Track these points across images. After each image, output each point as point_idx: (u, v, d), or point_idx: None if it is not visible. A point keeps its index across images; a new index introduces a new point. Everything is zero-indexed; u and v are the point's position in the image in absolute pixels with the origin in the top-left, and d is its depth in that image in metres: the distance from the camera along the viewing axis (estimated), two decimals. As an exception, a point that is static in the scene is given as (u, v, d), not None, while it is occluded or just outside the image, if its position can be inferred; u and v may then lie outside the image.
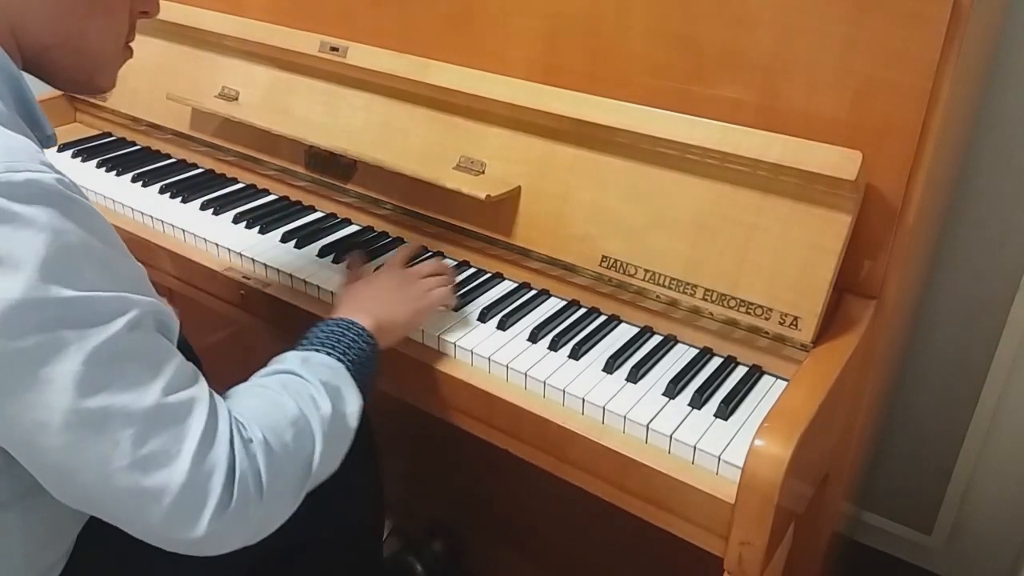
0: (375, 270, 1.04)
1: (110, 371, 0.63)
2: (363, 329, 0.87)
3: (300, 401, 0.75)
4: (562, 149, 1.04)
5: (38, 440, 0.63)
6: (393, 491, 1.27)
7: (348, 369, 0.82)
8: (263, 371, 0.81)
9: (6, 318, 0.59)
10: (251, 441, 0.70)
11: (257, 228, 1.20)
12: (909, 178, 0.88)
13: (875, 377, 1.06)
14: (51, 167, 0.64)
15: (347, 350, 0.84)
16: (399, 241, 1.19)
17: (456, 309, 1.02)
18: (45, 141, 0.77)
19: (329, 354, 0.83)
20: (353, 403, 0.81)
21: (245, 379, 0.79)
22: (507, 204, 1.07)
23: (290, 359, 0.81)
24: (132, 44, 0.85)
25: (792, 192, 0.89)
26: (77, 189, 0.66)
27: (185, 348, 1.19)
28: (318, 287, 1.07)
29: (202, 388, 0.70)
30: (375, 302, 0.94)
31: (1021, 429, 1.38)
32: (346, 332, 0.86)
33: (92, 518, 0.85)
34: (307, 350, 0.83)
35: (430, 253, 1.16)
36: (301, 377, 0.78)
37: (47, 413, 0.62)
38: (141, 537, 0.68)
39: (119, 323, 0.64)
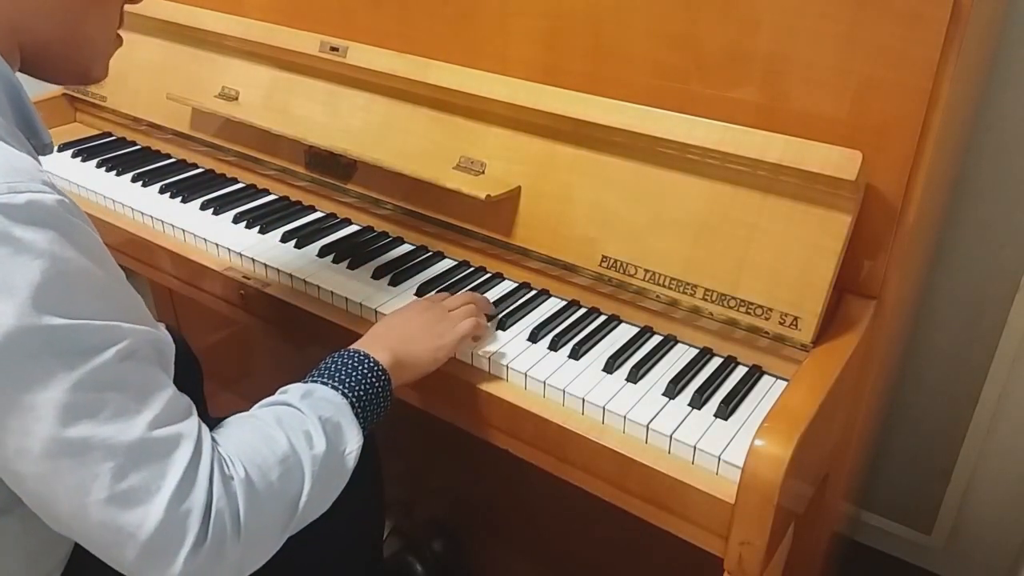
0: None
1: (95, 401, 0.62)
2: (376, 363, 0.83)
3: (293, 437, 0.73)
4: (562, 149, 1.04)
5: (18, 466, 0.63)
6: (393, 491, 1.27)
7: (352, 406, 0.79)
8: (264, 401, 0.79)
9: None
10: (232, 479, 0.68)
11: (257, 228, 1.21)
12: (909, 178, 0.88)
13: (875, 377, 1.06)
14: (53, 187, 0.64)
15: (356, 385, 0.81)
16: (399, 241, 1.19)
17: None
18: (42, 149, 0.76)
19: (335, 388, 0.80)
20: (353, 442, 0.78)
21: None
22: (507, 204, 1.07)
23: (292, 391, 0.79)
24: (121, 33, 0.86)
25: (792, 192, 0.89)
26: (79, 212, 0.66)
27: (184, 348, 1.20)
28: (318, 287, 1.07)
29: (191, 423, 0.68)
30: (399, 337, 0.89)
31: (1021, 429, 1.38)
32: (358, 366, 0.82)
33: None
34: (313, 382, 0.81)
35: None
36: (299, 411, 0.76)
37: (28, 440, 0.61)
38: (119, 569, 0.66)
39: (109, 352, 0.63)
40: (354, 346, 0.86)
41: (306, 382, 0.81)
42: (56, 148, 1.47)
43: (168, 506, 0.63)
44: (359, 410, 0.80)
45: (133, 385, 0.65)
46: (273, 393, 0.81)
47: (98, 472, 0.62)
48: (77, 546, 0.84)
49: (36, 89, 1.64)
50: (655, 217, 0.97)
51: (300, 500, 0.72)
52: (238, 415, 0.76)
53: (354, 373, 0.81)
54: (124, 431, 0.63)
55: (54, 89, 1.58)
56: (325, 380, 0.80)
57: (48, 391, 0.60)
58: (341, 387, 0.80)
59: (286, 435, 0.73)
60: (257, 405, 0.79)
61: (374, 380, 0.82)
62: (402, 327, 0.91)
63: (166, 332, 0.72)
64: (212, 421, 1.12)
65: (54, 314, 0.60)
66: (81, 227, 0.65)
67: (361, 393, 0.81)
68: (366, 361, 0.83)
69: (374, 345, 0.86)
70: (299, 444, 0.73)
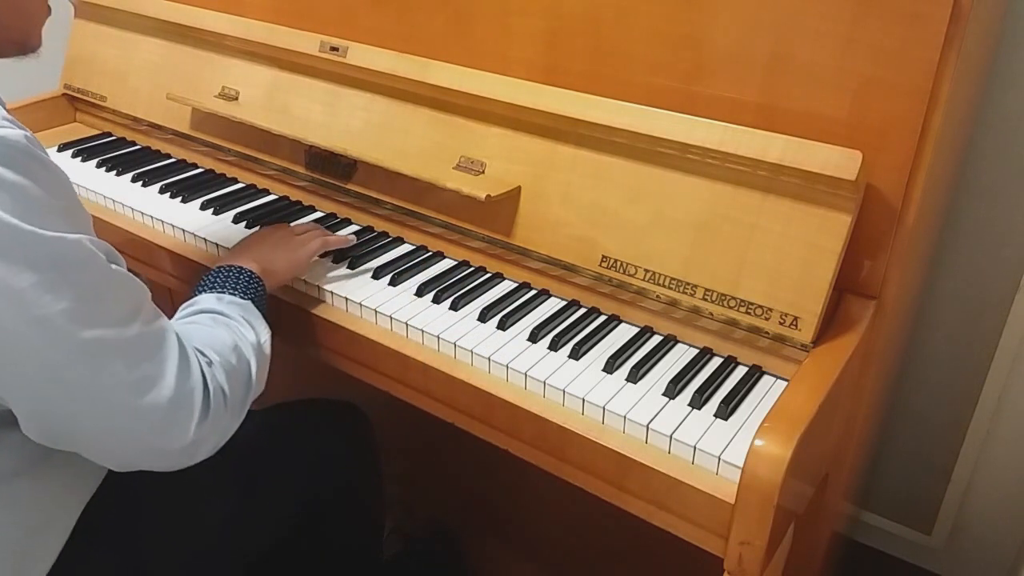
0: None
1: (98, 306, 0.70)
2: (252, 272, 0.97)
3: (233, 333, 0.87)
4: (562, 149, 1.04)
5: (43, 386, 0.69)
6: (393, 491, 1.27)
7: (256, 305, 0.94)
8: (184, 312, 0.91)
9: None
10: (211, 363, 0.81)
11: (258, 228, 1.20)
12: (909, 178, 0.88)
13: (875, 377, 1.06)
14: (15, 123, 0.70)
15: (247, 289, 0.95)
16: (399, 241, 1.19)
17: (456, 309, 1.02)
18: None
19: (234, 293, 0.94)
20: (265, 333, 0.93)
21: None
22: (507, 204, 1.07)
23: (205, 300, 0.92)
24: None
25: (792, 192, 0.89)
26: (41, 146, 0.72)
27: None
28: (318, 287, 1.07)
29: (166, 319, 0.79)
30: (258, 252, 1.03)
31: (1021, 429, 1.38)
32: (240, 275, 0.96)
33: (90, 506, 0.86)
34: (214, 292, 0.94)
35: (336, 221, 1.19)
36: (223, 314, 0.90)
37: (51, 353, 0.68)
38: (128, 460, 0.76)
39: (99, 261, 0.71)
40: (223, 262, 0.99)
41: (208, 292, 0.94)
42: (56, 148, 1.47)
43: (176, 386, 0.74)
44: (258, 307, 0.95)
45: (122, 288, 0.74)
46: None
47: (113, 368, 0.71)
48: (75, 533, 0.84)
49: (36, 89, 1.64)
50: (655, 217, 0.97)
51: (253, 379, 0.87)
52: (176, 322, 0.88)
53: (240, 281, 0.96)
54: (126, 329, 0.72)
55: (54, 89, 1.58)
56: (221, 289, 0.94)
57: (59, 302, 0.67)
58: (239, 292, 0.94)
59: (228, 331, 0.87)
60: (177, 316, 0.91)
61: (256, 286, 0.97)
62: (258, 246, 1.05)
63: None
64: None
65: (37, 226, 0.67)
66: (45, 158, 0.71)
67: (252, 295, 0.95)
68: (244, 271, 0.97)
69: (241, 260, 1.00)
70: (239, 337, 0.88)
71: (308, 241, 1.08)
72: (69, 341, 0.68)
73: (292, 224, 1.14)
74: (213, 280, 0.96)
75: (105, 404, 0.71)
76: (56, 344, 0.68)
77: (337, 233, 1.21)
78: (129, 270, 0.79)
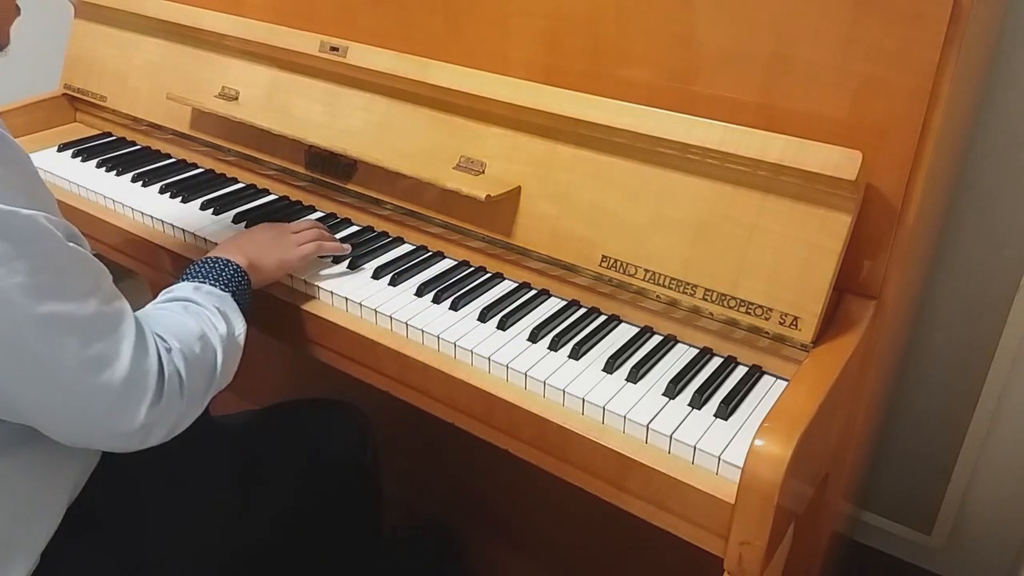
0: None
1: (56, 281, 0.71)
2: (238, 266, 0.98)
3: (200, 321, 0.88)
4: (562, 149, 1.04)
5: None
6: (393, 491, 1.27)
7: (233, 295, 0.95)
8: (160, 298, 0.92)
9: None
10: (171, 349, 0.82)
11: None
12: (909, 178, 0.88)
13: (875, 377, 1.06)
14: None
15: (228, 283, 0.96)
16: (399, 241, 1.19)
17: (456, 309, 1.02)
18: None
19: (214, 284, 0.94)
20: (240, 326, 0.93)
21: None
22: (507, 204, 1.07)
23: (182, 288, 0.93)
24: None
25: (792, 192, 0.89)
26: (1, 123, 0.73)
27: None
28: (318, 287, 1.07)
29: (124, 301, 0.79)
30: (248, 247, 1.04)
31: (1021, 429, 1.38)
32: (225, 268, 0.97)
33: (84, 500, 0.86)
34: (194, 281, 0.95)
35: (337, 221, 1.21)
36: (196, 303, 0.91)
37: (2, 326, 0.68)
38: (78, 437, 0.77)
39: (57, 237, 0.71)
40: (211, 254, 1.00)
41: (188, 281, 0.95)
42: (56, 148, 1.47)
43: (130, 367, 0.75)
44: (238, 302, 0.95)
45: (79, 266, 0.75)
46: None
47: (67, 344, 0.71)
48: (64, 524, 0.84)
49: (36, 89, 1.64)
50: (655, 217, 0.97)
51: (217, 370, 0.87)
52: (146, 309, 0.90)
53: (223, 273, 0.96)
54: (82, 306, 0.73)
55: (54, 89, 1.58)
56: (203, 279, 0.95)
57: (13, 276, 0.68)
58: (219, 284, 0.95)
59: (196, 320, 0.88)
60: (153, 303, 0.92)
61: (240, 279, 0.97)
62: (249, 240, 1.06)
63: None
64: (212, 420, 1.13)
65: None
66: (3, 133, 0.72)
67: (235, 288, 0.96)
68: (229, 263, 0.98)
69: (228, 253, 1.00)
70: (207, 326, 0.88)
71: (302, 242, 1.08)
72: (22, 314, 0.68)
73: (293, 223, 1.14)
74: (196, 270, 0.97)
75: (57, 380, 0.72)
76: (9, 317, 0.68)
77: (337, 235, 1.21)
78: (96, 254, 0.80)
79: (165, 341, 0.82)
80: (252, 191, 1.34)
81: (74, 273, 0.73)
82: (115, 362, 0.74)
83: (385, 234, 1.21)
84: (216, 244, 1.17)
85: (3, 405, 0.74)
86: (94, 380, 0.73)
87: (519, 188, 1.07)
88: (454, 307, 1.02)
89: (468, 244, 1.14)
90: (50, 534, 0.83)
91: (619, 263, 1.00)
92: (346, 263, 1.12)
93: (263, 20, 1.32)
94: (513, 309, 1.02)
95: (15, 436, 0.78)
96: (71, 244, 0.74)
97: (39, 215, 0.71)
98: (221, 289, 0.94)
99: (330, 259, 1.13)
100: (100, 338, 0.74)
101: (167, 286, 1.18)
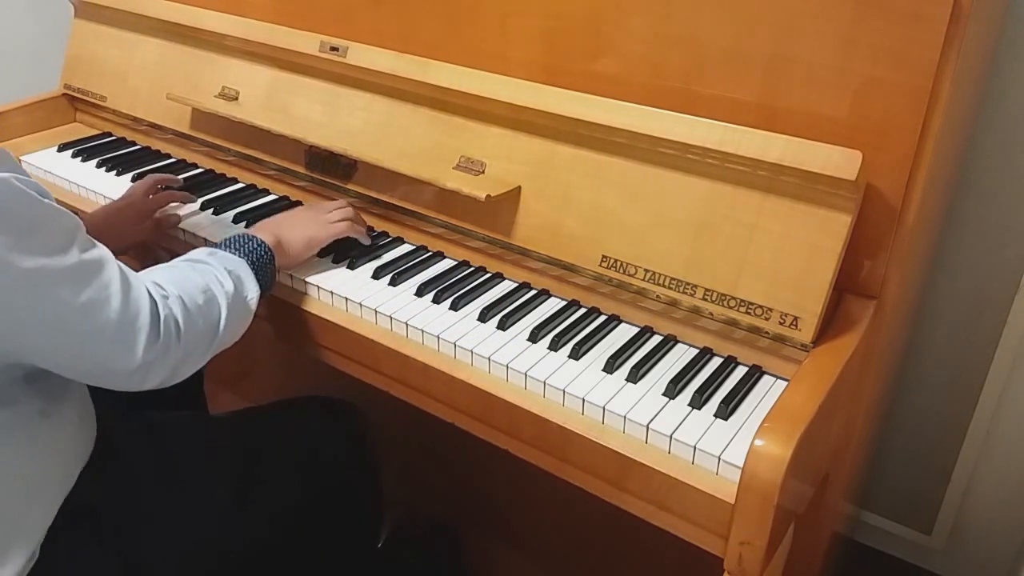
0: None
1: (37, 237, 0.73)
2: (262, 241, 1.01)
3: (207, 278, 0.91)
4: (562, 149, 1.04)
5: None
6: (393, 490, 1.27)
7: (248, 263, 0.97)
8: (172, 261, 0.95)
9: None
10: (167, 297, 0.84)
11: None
12: (909, 178, 0.88)
13: (875, 377, 1.06)
14: None
15: (250, 252, 0.99)
16: (399, 241, 1.19)
17: (456, 309, 1.02)
18: None
19: (231, 251, 0.98)
20: (253, 290, 0.95)
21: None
22: (507, 204, 1.07)
23: (197, 252, 0.97)
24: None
25: (792, 192, 0.89)
26: None
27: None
28: (318, 287, 1.07)
29: (102, 247, 0.81)
30: (280, 227, 1.07)
31: (1021, 429, 1.38)
32: (248, 241, 1.00)
33: (82, 497, 0.86)
34: (211, 247, 0.98)
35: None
36: (207, 263, 0.94)
37: None
38: (82, 376, 0.82)
39: (30, 195, 0.73)
40: (241, 232, 1.03)
41: (207, 247, 0.98)
42: (56, 148, 1.47)
43: (121, 308, 0.78)
44: (254, 269, 0.97)
45: (55, 220, 0.76)
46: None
47: (59, 295, 0.74)
48: (62, 518, 0.84)
49: (36, 89, 1.64)
50: (655, 217, 0.97)
51: (220, 324, 0.89)
52: (155, 266, 0.92)
53: (244, 245, 1.00)
54: (65, 258, 0.75)
55: (54, 89, 1.58)
56: (223, 248, 0.98)
57: None
58: (237, 252, 0.98)
59: (202, 276, 0.91)
60: (169, 262, 0.95)
61: (262, 253, 1.00)
62: (279, 221, 1.10)
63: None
64: (211, 417, 1.13)
65: None
66: None
67: (255, 259, 0.98)
68: (254, 238, 1.01)
69: (256, 229, 1.05)
70: (213, 282, 0.91)
71: (335, 221, 1.11)
72: (10, 272, 0.71)
73: (328, 203, 1.17)
74: (223, 242, 1.00)
75: (56, 330, 0.75)
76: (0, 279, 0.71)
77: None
78: (59, 202, 0.82)
79: (163, 288, 0.85)
80: (252, 191, 1.34)
81: (53, 228, 0.76)
82: (106, 305, 0.77)
83: (385, 234, 1.21)
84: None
85: (5, 353, 0.76)
86: (90, 324, 0.77)
87: (519, 188, 1.07)
88: (454, 307, 1.02)
89: (468, 244, 1.14)
90: (46, 525, 0.83)
91: (619, 263, 1.00)
92: (346, 263, 1.12)
93: (263, 20, 1.32)
94: (513, 309, 1.02)
95: (7, 426, 0.79)
96: (45, 200, 0.76)
97: (10, 176, 0.72)
98: (238, 255, 0.97)
99: (330, 259, 1.13)
100: (87, 284, 0.77)
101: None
